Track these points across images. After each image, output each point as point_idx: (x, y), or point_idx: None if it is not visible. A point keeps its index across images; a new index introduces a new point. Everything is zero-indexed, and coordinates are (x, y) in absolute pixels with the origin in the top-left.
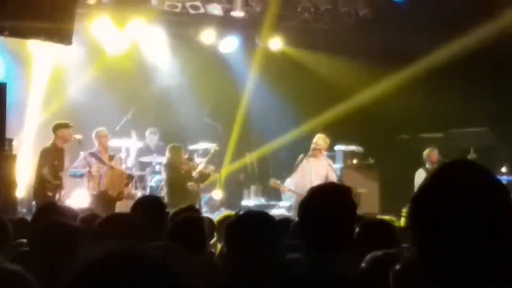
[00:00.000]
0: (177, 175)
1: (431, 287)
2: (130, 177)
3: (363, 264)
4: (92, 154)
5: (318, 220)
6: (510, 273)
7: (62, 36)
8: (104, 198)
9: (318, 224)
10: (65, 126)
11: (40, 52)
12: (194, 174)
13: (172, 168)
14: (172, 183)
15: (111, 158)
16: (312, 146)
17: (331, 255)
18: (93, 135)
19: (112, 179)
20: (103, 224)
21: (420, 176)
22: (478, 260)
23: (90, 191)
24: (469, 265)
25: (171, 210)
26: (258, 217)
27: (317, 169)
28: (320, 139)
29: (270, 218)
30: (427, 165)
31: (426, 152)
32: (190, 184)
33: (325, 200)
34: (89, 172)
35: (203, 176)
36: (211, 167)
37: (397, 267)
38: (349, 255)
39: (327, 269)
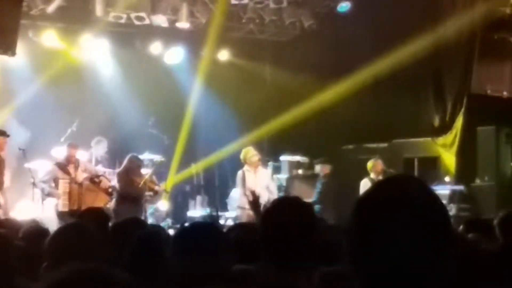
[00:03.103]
0: (130, 186)
1: None
2: (110, 194)
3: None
4: (59, 165)
5: (279, 232)
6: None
7: (6, 47)
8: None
9: (279, 237)
10: (1, 134)
11: None
12: (141, 185)
13: (126, 177)
14: (123, 193)
15: (76, 168)
16: (252, 159)
17: (290, 268)
18: (65, 146)
19: (81, 195)
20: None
21: (365, 186)
22: (406, 271)
23: (60, 209)
24: (398, 275)
25: (116, 219)
26: (204, 227)
27: (259, 181)
28: (252, 154)
29: (216, 228)
30: (372, 175)
31: (370, 163)
32: (138, 196)
33: (287, 213)
34: (56, 189)
35: (152, 192)
36: (157, 186)
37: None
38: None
39: (285, 282)
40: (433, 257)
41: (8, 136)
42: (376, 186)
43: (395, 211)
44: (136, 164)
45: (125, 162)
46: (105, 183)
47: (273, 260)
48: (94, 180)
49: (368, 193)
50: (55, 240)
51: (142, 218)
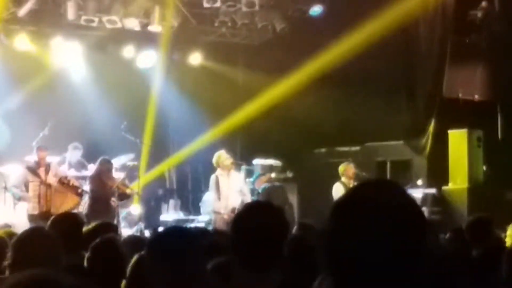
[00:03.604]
0: (102, 189)
1: None
2: (80, 195)
3: None
4: (29, 168)
5: (250, 237)
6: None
7: None
8: (46, 218)
9: (250, 242)
10: None
11: None
12: (115, 189)
13: (98, 181)
14: (95, 196)
15: (47, 171)
16: (225, 163)
17: (262, 273)
18: (34, 149)
19: (51, 196)
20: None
21: (337, 190)
22: (383, 275)
23: (30, 212)
24: (374, 279)
25: (88, 223)
26: (179, 232)
27: (233, 185)
28: (225, 158)
29: (191, 232)
30: (343, 179)
31: (342, 167)
32: (112, 199)
33: (259, 218)
34: (27, 192)
35: (123, 196)
36: (128, 189)
37: None
38: (280, 274)
39: (256, 287)
40: (410, 261)
41: None
42: (353, 190)
43: (372, 215)
44: (106, 167)
45: (96, 165)
46: (74, 184)
47: (244, 264)
48: (63, 181)
49: (345, 197)
50: (16, 244)
51: (115, 221)
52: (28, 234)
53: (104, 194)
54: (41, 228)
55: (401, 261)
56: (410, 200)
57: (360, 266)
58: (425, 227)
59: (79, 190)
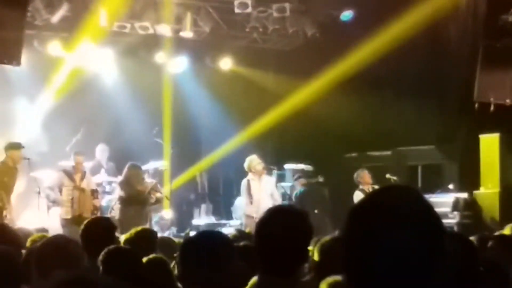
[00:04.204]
0: (132, 194)
1: None
2: (95, 191)
3: None
4: (66, 172)
5: (274, 242)
6: None
7: (11, 57)
8: (79, 222)
9: (274, 247)
10: (16, 147)
11: None
12: (147, 194)
13: (128, 186)
14: (126, 202)
15: (83, 178)
16: (257, 168)
17: (286, 278)
18: (72, 155)
19: (84, 201)
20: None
21: (358, 197)
22: (400, 280)
23: (63, 216)
24: (392, 285)
25: (121, 228)
26: (210, 236)
27: (264, 189)
28: (257, 163)
29: (223, 236)
30: (361, 186)
31: (355, 175)
32: (143, 204)
33: (282, 223)
34: (60, 196)
35: (155, 200)
36: (159, 193)
37: None
38: (307, 279)
39: None
40: (428, 267)
41: (22, 147)
42: (370, 196)
43: (389, 220)
44: (135, 172)
45: (125, 171)
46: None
47: (268, 269)
48: (93, 194)
49: (362, 202)
50: (40, 251)
51: (147, 226)
52: (53, 241)
53: (135, 199)
54: (64, 236)
55: (417, 266)
56: (426, 205)
57: (376, 272)
58: (441, 231)
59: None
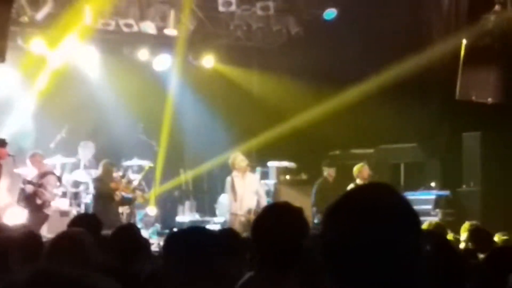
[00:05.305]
0: (102, 191)
1: None
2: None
3: None
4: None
5: (271, 238)
6: None
7: None
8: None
9: (271, 243)
10: (0, 144)
11: None
12: (118, 193)
13: (99, 182)
14: (95, 198)
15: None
16: (241, 165)
17: (283, 273)
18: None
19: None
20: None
21: None
22: (378, 278)
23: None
24: (370, 283)
25: None
26: (194, 232)
27: (248, 186)
28: (240, 159)
29: (208, 231)
30: (358, 181)
31: (356, 168)
32: (113, 201)
33: (279, 219)
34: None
35: (121, 199)
36: (139, 193)
37: None
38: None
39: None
40: (406, 263)
41: (6, 144)
42: (346, 195)
43: (366, 218)
44: (107, 169)
45: (99, 168)
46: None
47: (266, 266)
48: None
49: (338, 201)
50: (52, 247)
51: (132, 222)
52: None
53: (105, 195)
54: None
55: (396, 264)
56: (403, 201)
57: (354, 267)
58: (418, 228)
59: None
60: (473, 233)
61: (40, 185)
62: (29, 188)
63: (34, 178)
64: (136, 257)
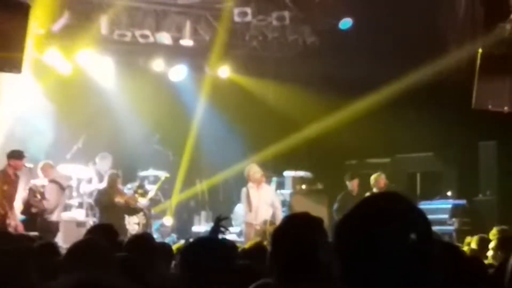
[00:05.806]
0: (103, 201)
1: None
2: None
3: None
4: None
5: (288, 248)
6: None
7: (13, 65)
8: None
9: (289, 253)
10: (18, 156)
11: None
12: (119, 200)
13: (100, 195)
14: (100, 210)
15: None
16: (255, 176)
17: (303, 283)
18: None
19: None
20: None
21: None
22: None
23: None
24: None
25: None
26: (209, 242)
27: (263, 197)
28: (255, 171)
29: (221, 242)
30: (375, 190)
31: (373, 177)
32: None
33: (297, 229)
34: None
35: (130, 210)
36: (132, 196)
37: None
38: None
39: None
40: (419, 272)
41: (25, 156)
42: (359, 204)
43: (379, 227)
44: (113, 180)
45: (105, 179)
46: None
47: (285, 277)
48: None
49: (351, 210)
50: (69, 254)
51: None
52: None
53: (111, 206)
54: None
55: (405, 268)
56: (416, 210)
57: (366, 272)
58: (430, 237)
59: None
60: (503, 241)
61: (41, 194)
62: (24, 198)
63: (39, 188)
64: (152, 265)
